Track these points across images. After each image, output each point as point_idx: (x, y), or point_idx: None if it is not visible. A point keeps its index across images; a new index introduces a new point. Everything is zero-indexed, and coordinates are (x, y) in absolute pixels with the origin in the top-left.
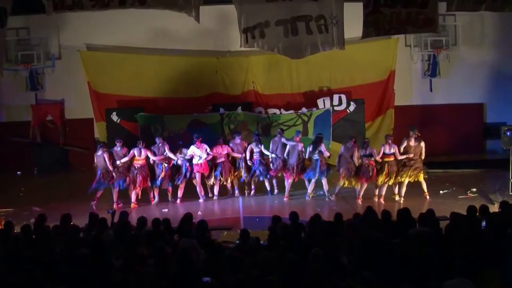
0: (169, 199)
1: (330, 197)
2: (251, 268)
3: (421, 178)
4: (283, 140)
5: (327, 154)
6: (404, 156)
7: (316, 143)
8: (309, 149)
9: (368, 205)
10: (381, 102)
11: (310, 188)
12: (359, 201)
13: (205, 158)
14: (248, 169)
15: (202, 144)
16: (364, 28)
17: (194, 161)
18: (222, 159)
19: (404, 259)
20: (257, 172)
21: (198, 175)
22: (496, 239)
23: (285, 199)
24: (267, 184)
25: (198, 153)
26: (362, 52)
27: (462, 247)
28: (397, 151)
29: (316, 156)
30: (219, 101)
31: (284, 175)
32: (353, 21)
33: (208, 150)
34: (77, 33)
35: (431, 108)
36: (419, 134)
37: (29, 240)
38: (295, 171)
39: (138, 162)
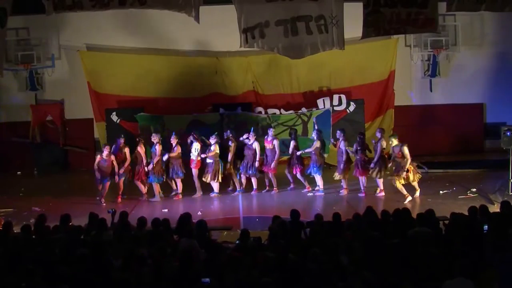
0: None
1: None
2: (251, 268)
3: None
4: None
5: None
6: None
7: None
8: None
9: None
10: (381, 102)
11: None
12: (363, 195)
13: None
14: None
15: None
16: (364, 28)
17: (192, 157)
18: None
19: (404, 259)
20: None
21: (194, 171)
22: (496, 239)
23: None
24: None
25: (197, 147)
26: (362, 52)
27: (462, 247)
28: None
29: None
30: (219, 101)
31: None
32: (353, 21)
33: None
34: (77, 33)
35: (431, 108)
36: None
37: (29, 240)
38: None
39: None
